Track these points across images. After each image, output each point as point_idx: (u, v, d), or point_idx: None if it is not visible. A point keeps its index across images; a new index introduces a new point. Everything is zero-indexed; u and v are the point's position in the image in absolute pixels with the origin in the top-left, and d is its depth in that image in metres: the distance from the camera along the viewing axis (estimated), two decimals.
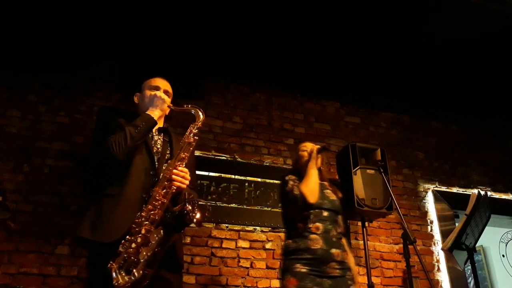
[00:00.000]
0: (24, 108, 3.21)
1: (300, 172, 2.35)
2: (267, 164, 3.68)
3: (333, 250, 2.07)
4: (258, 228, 3.37)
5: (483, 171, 4.44)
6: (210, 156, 3.52)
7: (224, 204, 3.36)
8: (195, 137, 1.74)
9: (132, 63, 3.47)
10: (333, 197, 2.29)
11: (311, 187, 2.19)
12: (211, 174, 3.43)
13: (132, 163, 1.66)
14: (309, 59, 3.75)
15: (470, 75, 3.91)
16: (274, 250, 3.34)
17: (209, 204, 1.54)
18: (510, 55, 3.59)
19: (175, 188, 1.59)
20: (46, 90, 3.33)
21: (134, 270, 1.42)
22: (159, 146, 1.80)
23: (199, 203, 1.53)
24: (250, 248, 3.29)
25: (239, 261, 3.21)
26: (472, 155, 4.49)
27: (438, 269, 3.76)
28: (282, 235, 3.41)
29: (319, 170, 2.40)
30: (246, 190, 3.48)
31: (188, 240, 3.16)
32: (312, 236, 2.09)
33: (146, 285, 1.46)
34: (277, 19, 3.29)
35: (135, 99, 1.97)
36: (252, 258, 3.26)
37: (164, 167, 1.70)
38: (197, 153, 3.48)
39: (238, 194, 3.44)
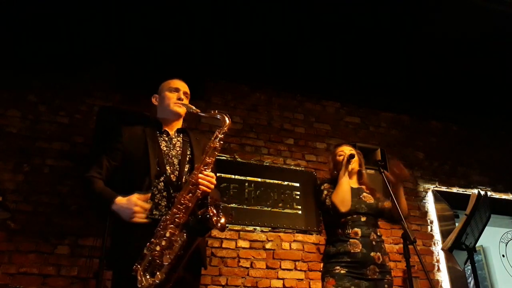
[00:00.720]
0: (24, 108, 3.21)
1: (336, 178, 2.33)
2: (267, 164, 3.68)
3: (373, 254, 2.10)
4: (258, 228, 3.37)
5: (483, 171, 4.44)
6: None
7: (224, 204, 3.36)
8: (221, 142, 1.75)
9: (132, 63, 3.48)
10: (371, 200, 2.29)
11: (341, 196, 2.20)
12: None
13: (136, 172, 1.65)
14: (309, 59, 3.75)
15: (470, 75, 3.91)
16: (274, 250, 3.34)
17: (232, 209, 1.55)
18: (510, 55, 3.59)
19: (200, 192, 1.59)
20: (46, 90, 3.32)
21: (158, 273, 1.44)
22: (178, 149, 1.80)
23: (222, 206, 1.54)
24: (250, 248, 3.29)
25: (239, 261, 3.21)
26: (472, 155, 4.49)
27: (438, 269, 3.76)
28: (282, 235, 3.42)
29: (359, 173, 2.42)
30: (246, 190, 3.48)
31: None
32: (352, 240, 2.13)
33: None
34: (277, 19, 3.29)
35: (153, 100, 1.95)
36: (252, 258, 3.26)
37: (186, 169, 1.72)
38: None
39: (238, 194, 3.44)
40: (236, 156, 3.61)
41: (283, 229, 3.43)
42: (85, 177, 1.65)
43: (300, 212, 3.53)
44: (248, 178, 3.53)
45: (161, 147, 1.76)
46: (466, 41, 3.47)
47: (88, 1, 3.07)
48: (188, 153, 1.81)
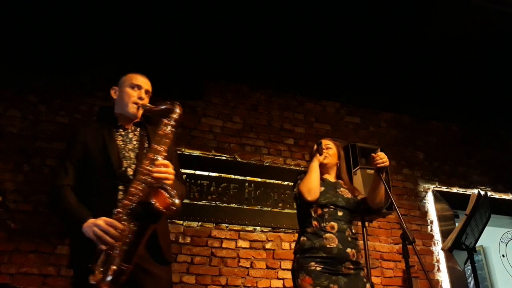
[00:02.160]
0: (24, 108, 3.22)
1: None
2: (267, 164, 3.68)
3: (349, 250, 2.05)
4: (258, 228, 3.37)
5: (483, 171, 4.44)
6: (210, 156, 3.52)
7: (224, 204, 3.36)
8: (172, 130, 1.66)
9: (132, 63, 3.47)
10: (348, 195, 2.23)
11: (308, 184, 2.16)
12: (211, 174, 3.43)
13: (95, 169, 1.63)
14: (309, 59, 3.75)
15: (470, 75, 3.91)
16: (274, 250, 3.34)
17: (174, 193, 1.45)
18: (510, 55, 3.59)
19: (153, 181, 1.53)
20: (46, 90, 3.33)
21: (112, 266, 1.41)
22: (135, 142, 1.75)
23: (167, 192, 1.47)
24: (250, 248, 3.29)
25: (239, 261, 3.21)
26: (472, 155, 4.50)
27: (438, 269, 3.76)
28: (282, 235, 3.42)
29: (338, 167, 2.36)
30: (246, 190, 3.48)
31: (188, 240, 3.16)
32: (328, 235, 2.07)
33: (129, 280, 1.45)
34: (277, 19, 3.29)
35: (112, 93, 1.87)
36: (252, 258, 3.26)
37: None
38: (197, 153, 3.49)
39: (238, 194, 3.44)
40: (236, 156, 3.61)
41: (283, 229, 3.43)
42: (54, 187, 1.62)
43: None
44: (248, 178, 3.53)
45: (117, 141, 1.72)
46: (466, 41, 3.47)
47: (88, 1, 3.07)
48: (146, 146, 1.75)
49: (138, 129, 1.81)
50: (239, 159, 3.61)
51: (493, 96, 4.23)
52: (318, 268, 1.99)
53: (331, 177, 2.33)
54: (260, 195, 3.50)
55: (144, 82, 1.85)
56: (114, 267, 1.41)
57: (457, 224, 2.79)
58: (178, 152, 3.29)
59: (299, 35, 3.46)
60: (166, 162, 1.59)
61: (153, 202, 1.42)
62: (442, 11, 3.13)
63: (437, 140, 4.46)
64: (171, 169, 1.59)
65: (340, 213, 2.15)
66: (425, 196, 4.10)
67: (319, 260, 2.01)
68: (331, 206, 2.15)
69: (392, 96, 4.26)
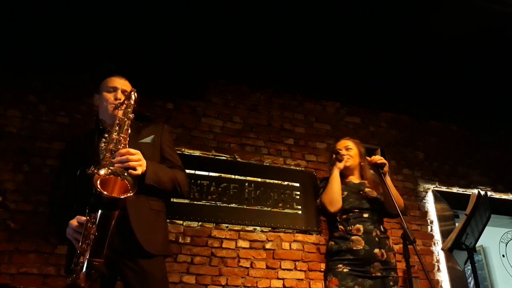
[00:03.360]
0: (24, 108, 3.21)
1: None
2: (267, 164, 3.68)
3: (376, 250, 2.06)
4: (258, 228, 3.37)
5: (483, 171, 4.44)
6: (210, 156, 3.52)
7: (224, 204, 3.36)
8: (128, 115, 1.66)
9: (132, 63, 3.47)
10: (373, 194, 2.21)
11: (329, 196, 2.14)
12: (211, 174, 3.43)
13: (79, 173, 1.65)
14: (309, 59, 3.75)
15: (470, 75, 3.91)
16: (274, 250, 3.34)
17: (127, 175, 1.43)
18: (510, 55, 3.59)
19: (112, 172, 1.49)
20: (46, 90, 3.33)
21: (82, 262, 1.41)
22: (102, 145, 1.75)
23: (120, 176, 1.44)
24: (250, 248, 3.29)
25: (239, 261, 3.21)
26: (472, 155, 4.49)
27: (438, 269, 3.76)
28: (282, 235, 3.42)
29: (360, 166, 2.34)
30: (246, 190, 3.48)
31: (188, 240, 3.16)
32: (354, 237, 2.07)
33: (116, 276, 1.47)
34: (277, 19, 3.29)
35: (94, 101, 1.90)
36: (252, 258, 3.26)
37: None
38: (197, 153, 3.49)
39: (238, 194, 3.44)
40: (236, 156, 3.61)
41: (283, 229, 3.43)
42: (51, 198, 1.71)
43: (300, 212, 3.53)
44: (248, 178, 3.53)
45: (100, 144, 1.74)
46: (466, 41, 3.47)
47: (88, 1, 3.07)
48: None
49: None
50: (239, 159, 3.61)
51: (493, 96, 4.23)
52: (345, 270, 2.01)
53: (355, 178, 2.31)
54: (260, 195, 3.50)
55: (119, 82, 1.86)
56: (84, 262, 1.40)
57: (457, 224, 2.79)
58: (178, 152, 3.28)
59: (299, 35, 3.46)
60: (126, 150, 1.56)
61: (99, 189, 1.39)
62: (442, 11, 3.13)
63: (437, 140, 4.46)
64: (134, 156, 1.55)
65: (365, 215, 2.15)
66: (425, 196, 4.10)
67: (346, 262, 2.03)
68: (355, 210, 2.15)
69: (392, 96, 4.26)
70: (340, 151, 2.30)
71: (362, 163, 2.35)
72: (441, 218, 3.98)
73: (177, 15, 3.21)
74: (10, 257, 2.75)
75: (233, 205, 3.38)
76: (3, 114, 3.15)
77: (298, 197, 3.58)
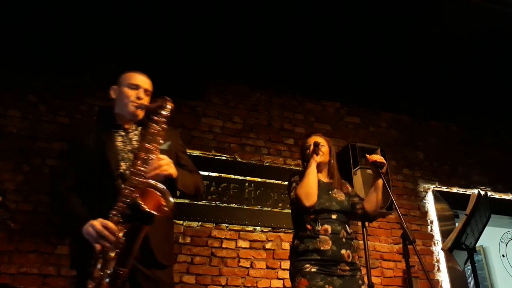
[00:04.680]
0: (24, 108, 3.22)
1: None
2: (267, 164, 3.68)
3: (343, 251, 2.04)
4: (258, 228, 3.37)
5: (483, 171, 4.44)
6: (210, 156, 3.52)
7: (224, 204, 3.36)
8: (163, 126, 1.62)
9: (132, 63, 3.47)
10: (341, 197, 2.20)
11: (306, 189, 2.10)
12: (211, 174, 3.43)
13: (94, 171, 1.61)
14: (309, 59, 3.75)
15: (470, 75, 3.91)
16: (274, 250, 3.34)
17: (167, 192, 1.42)
18: (510, 55, 3.59)
19: (145, 181, 1.49)
20: (46, 90, 3.33)
21: (107, 271, 1.40)
22: (135, 143, 1.71)
23: (160, 192, 1.44)
24: (250, 248, 3.29)
25: (239, 261, 3.21)
26: (472, 155, 4.49)
27: (438, 269, 3.76)
28: (282, 235, 3.42)
29: (329, 164, 2.31)
30: (246, 190, 3.48)
31: (188, 240, 3.16)
32: (321, 237, 2.05)
33: (125, 285, 1.43)
34: (276, 19, 3.29)
35: (112, 93, 1.82)
36: (252, 258, 3.26)
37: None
38: (197, 153, 3.49)
39: (238, 194, 3.44)
40: (236, 156, 3.61)
41: (283, 229, 3.43)
42: (56, 191, 1.63)
43: None
44: (248, 178, 3.53)
45: (117, 142, 1.68)
46: (466, 41, 3.47)
47: (88, 2, 3.07)
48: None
49: (140, 128, 1.77)
50: (239, 159, 3.61)
51: (493, 96, 4.23)
52: (313, 270, 1.98)
53: (323, 176, 2.28)
54: (260, 195, 3.50)
55: (142, 81, 1.81)
56: (109, 272, 1.39)
57: (457, 224, 2.79)
58: None
59: (299, 35, 3.46)
60: (162, 156, 1.56)
61: (140, 203, 1.39)
62: (442, 11, 3.13)
63: (437, 140, 4.46)
64: (164, 161, 1.55)
65: (334, 216, 2.12)
66: (425, 196, 4.10)
67: (313, 262, 2.00)
68: (325, 210, 2.12)
69: (392, 96, 4.26)
70: (320, 145, 2.24)
71: (332, 161, 2.32)
72: (441, 218, 3.98)
73: (177, 15, 3.21)
74: (10, 257, 2.75)
75: (233, 205, 3.38)
76: (3, 114, 3.15)
77: None
